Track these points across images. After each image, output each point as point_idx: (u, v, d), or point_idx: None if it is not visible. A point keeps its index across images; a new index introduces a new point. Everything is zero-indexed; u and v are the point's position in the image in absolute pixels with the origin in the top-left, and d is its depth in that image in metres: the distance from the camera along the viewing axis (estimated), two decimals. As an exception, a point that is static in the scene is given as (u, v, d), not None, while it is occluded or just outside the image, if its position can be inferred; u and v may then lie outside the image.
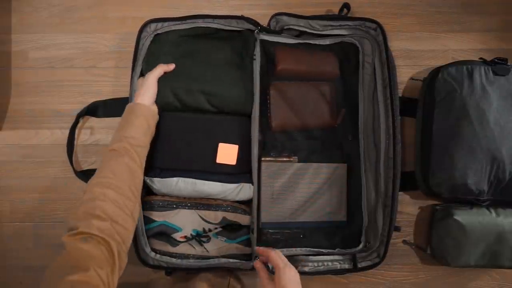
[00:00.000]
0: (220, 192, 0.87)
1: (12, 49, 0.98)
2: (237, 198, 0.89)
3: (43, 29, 0.98)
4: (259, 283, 0.73)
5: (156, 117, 0.84)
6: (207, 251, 0.89)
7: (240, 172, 0.89)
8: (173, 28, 0.90)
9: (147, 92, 0.82)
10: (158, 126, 0.85)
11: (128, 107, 0.80)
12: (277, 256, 0.72)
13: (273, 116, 0.95)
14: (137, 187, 0.74)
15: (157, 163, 0.86)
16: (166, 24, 0.90)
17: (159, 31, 0.89)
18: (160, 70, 0.85)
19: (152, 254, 0.86)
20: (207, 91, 0.87)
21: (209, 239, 0.89)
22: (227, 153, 0.88)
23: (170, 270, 0.89)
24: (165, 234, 0.87)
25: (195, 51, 0.90)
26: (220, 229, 0.89)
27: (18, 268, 0.95)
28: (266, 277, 0.73)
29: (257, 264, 0.79)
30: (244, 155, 0.89)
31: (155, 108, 0.84)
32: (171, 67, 0.87)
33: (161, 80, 0.85)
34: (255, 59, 0.88)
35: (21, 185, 0.96)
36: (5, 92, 0.97)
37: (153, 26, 0.90)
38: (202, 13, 0.91)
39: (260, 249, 0.79)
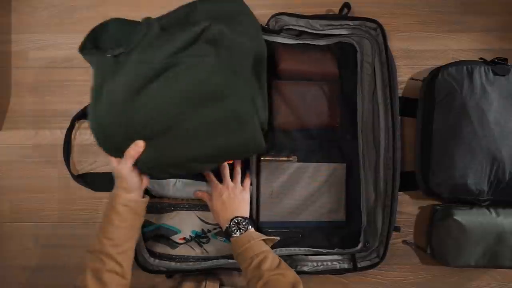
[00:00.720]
0: None
1: (12, 49, 0.98)
2: None
3: (43, 29, 0.98)
4: (211, 184, 0.82)
5: (143, 212, 0.74)
6: (206, 252, 0.89)
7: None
8: None
9: (126, 183, 0.71)
10: None
11: (110, 196, 0.71)
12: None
13: (274, 116, 0.95)
14: None
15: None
16: None
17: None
18: (130, 160, 0.68)
19: (151, 259, 0.86)
20: (202, 156, 0.70)
21: (208, 240, 0.89)
22: None
23: (171, 274, 0.89)
24: (164, 236, 0.87)
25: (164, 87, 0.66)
26: (219, 229, 0.89)
27: (18, 268, 0.95)
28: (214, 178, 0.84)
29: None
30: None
31: (138, 200, 0.73)
32: (140, 147, 0.68)
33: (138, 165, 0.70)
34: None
35: (21, 185, 0.96)
36: (5, 92, 0.97)
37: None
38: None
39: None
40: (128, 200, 0.70)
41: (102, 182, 0.93)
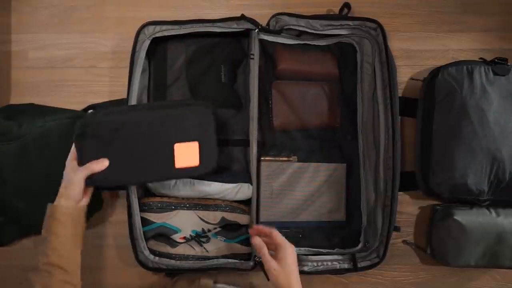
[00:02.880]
0: (219, 191, 0.87)
1: (12, 49, 0.98)
2: (236, 198, 0.89)
3: (43, 29, 0.98)
4: (263, 259, 0.71)
5: (83, 220, 0.72)
6: (206, 251, 0.89)
7: (206, 172, 0.77)
8: (172, 33, 0.90)
9: (71, 190, 0.70)
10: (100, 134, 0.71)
11: (48, 209, 0.70)
12: (280, 235, 0.73)
13: (275, 116, 0.95)
14: None
15: (109, 181, 0.74)
16: (164, 27, 0.90)
17: (157, 35, 0.89)
18: (87, 172, 0.70)
19: (151, 257, 0.86)
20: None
21: (208, 239, 0.89)
22: (186, 154, 0.75)
23: (171, 273, 0.89)
24: (165, 235, 0.87)
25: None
26: (219, 229, 0.89)
27: (18, 268, 0.95)
28: (268, 253, 0.72)
29: (257, 240, 0.74)
30: (208, 151, 0.76)
31: (78, 208, 0.71)
32: (104, 165, 0.71)
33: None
34: (253, 58, 0.88)
35: (21, 185, 0.96)
36: (5, 92, 0.97)
37: (150, 28, 0.89)
38: (201, 18, 0.91)
39: (260, 227, 0.76)
40: (66, 208, 0.69)
41: None
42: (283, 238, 0.73)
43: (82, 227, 0.72)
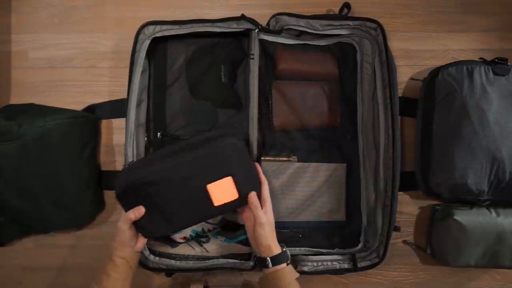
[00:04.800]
0: None
1: (12, 49, 0.98)
2: None
3: (43, 29, 0.98)
4: (255, 212, 0.75)
5: (136, 266, 0.78)
6: (206, 251, 0.89)
7: (245, 202, 0.77)
8: (172, 33, 0.90)
9: (121, 237, 0.75)
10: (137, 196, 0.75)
11: (109, 250, 0.76)
12: (267, 189, 0.80)
13: (275, 116, 0.95)
14: None
15: (156, 228, 0.77)
16: (164, 27, 0.90)
17: (157, 34, 0.89)
18: (129, 221, 0.75)
19: (151, 257, 0.86)
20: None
21: (208, 239, 0.89)
22: (222, 191, 0.75)
23: (171, 272, 0.89)
24: (165, 235, 0.87)
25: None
26: (219, 229, 0.89)
27: (18, 268, 0.95)
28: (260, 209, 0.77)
29: (255, 197, 0.77)
30: (247, 180, 0.77)
31: (133, 253, 0.76)
32: (141, 213, 0.75)
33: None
34: (253, 58, 0.88)
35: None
36: (5, 92, 0.97)
37: (150, 28, 0.89)
38: (201, 18, 0.91)
39: (259, 169, 0.81)
40: (124, 252, 0.75)
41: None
42: (268, 193, 0.79)
43: (133, 273, 0.77)
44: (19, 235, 0.90)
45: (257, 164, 0.81)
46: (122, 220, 0.76)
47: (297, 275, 0.75)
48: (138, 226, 0.76)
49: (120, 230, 0.76)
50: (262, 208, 0.77)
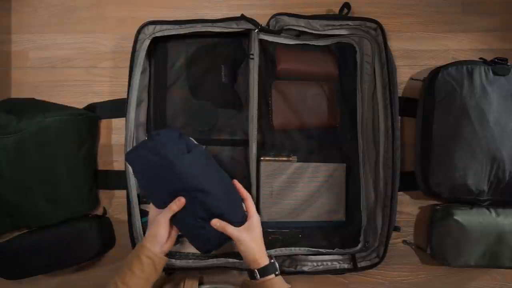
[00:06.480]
0: None
1: (12, 49, 0.98)
2: None
3: (43, 29, 0.98)
4: (230, 233, 0.74)
5: (160, 269, 0.76)
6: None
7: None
8: (172, 32, 0.90)
9: (156, 232, 0.75)
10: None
11: (137, 246, 0.76)
12: (253, 203, 0.80)
13: (275, 116, 0.95)
14: None
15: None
16: (164, 27, 0.90)
17: (157, 34, 0.89)
18: (171, 213, 0.75)
19: None
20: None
21: None
22: None
23: (170, 271, 0.89)
24: None
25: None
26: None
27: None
28: (233, 228, 0.75)
29: (217, 223, 0.75)
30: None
31: (161, 257, 0.75)
32: (182, 203, 0.75)
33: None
34: (253, 58, 0.88)
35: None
36: (5, 92, 0.97)
37: (150, 28, 0.89)
38: (201, 18, 0.91)
39: (239, 186, 0.81)
40: (152, 253, 0.74)
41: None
42: (254, 207, 0.80)
43: (156, 276, 0.75)
44: (10, 228, 0.89)
45: (235, 181, 0.82)
46: (163, 211, 0.75)
47: (288, 286, 0.75)
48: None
49: (159, 223, 0.74)
50: (247, 221, 0.77)
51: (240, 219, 0.78)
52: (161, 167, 0.74)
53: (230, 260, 0.86)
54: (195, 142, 0.83)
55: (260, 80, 0.90)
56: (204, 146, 0.82)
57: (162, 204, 0.76)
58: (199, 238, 0.78)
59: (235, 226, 0.76)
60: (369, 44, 0.92)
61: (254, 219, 0.78)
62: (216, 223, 0.75)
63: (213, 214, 0.75)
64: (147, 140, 0.81)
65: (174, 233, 0.78)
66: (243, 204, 0.81)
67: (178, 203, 0.74)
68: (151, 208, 0.79)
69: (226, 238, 0.77)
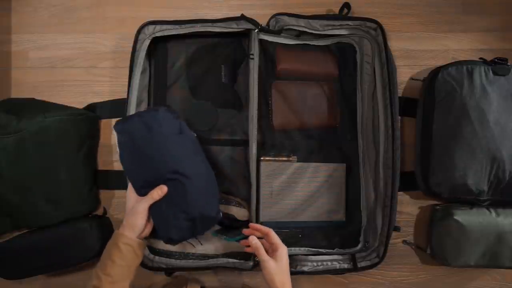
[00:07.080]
0: None
1: (12, 49, 0.98)
2: None
3: (43, 29, 0.98)
4: (261, 258, 0.73)
5: (141, 254, 0.75)
6: (206, 249, 0.89)
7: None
8: (173, 32, 0.90)
9: (135, 220, 0.73)
10: None
11: (114, 234, 0.74)
12: (276, 235, 0.77)
13: (275, 116, 0.95)
14: None
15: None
16: (164, 27, 0.90)
17: (157, 34, 0.89)
18: (151, 201, 0.74)
19: (151, 256, 0.86)
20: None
21: (208, 238, 0.89)
22: None
23: (171, 271, 0.89)
24: None
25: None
26: (219, 227, 0.89)
27: (18, 267, 0.95)
28: (265, 253, 0.74)
29: (254, 239, 0.75)
30: None
31: (139, 241, 0.74)
32: (164, 192, 0.74)
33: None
34: (252, 58, 0.88)
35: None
36: (5, 92, 0.97)
37: (150, 28, 0.90)
38: (201, 18, 0.91)
39: (258, 226, 0.79)
40: (130, 239, 0.73)
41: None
42: (279, 238, 0.77)
43: (139, 260, 0.75)
44: (10, 228, 0.90)
45: (252, 224, 0.81)
46: (142, 199, 0.74)
47: None
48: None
49: (138, 211, 0.73)
50: (273, 254, 0.75)
51: (214, 214, 0.78)
52: (149, 143, 0.73)
53: (231, 260, 0.86)
54: (188, 129, 0.82)
55: (260, 80, 0.90)
56: (194, 134, 0.82)
57: (140, 183, 0.75)
58: (167, 227, 0.76)
59: (209, 221, 0.78)
60: (369, 44, 0.92)
61: (282, 250, 0.75)
62: (252, 240, 0.75)
63: (190, 204, 0.74)
64: (143, 112, 0.80)
65: (151, 222, 0.77)
66: (219, 204, 0.81)
67: (160, 191, 0.73)
68: (129, 195, 0.78)
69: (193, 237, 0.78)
